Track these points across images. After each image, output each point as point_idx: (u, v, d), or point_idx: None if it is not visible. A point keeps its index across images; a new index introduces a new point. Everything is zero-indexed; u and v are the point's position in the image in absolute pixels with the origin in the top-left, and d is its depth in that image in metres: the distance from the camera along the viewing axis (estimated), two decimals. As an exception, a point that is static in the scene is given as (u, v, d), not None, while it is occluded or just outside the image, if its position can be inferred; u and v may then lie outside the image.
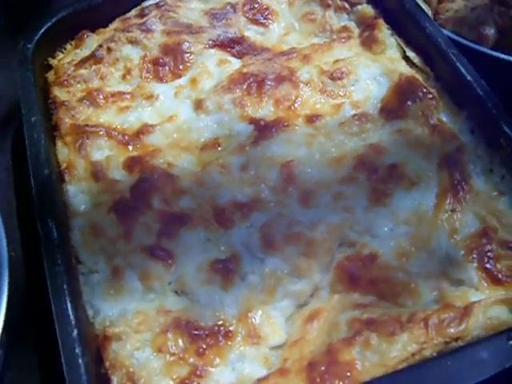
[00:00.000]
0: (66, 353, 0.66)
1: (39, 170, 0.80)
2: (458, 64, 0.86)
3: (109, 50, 0.94)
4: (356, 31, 0.96)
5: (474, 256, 0.73)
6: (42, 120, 0.86)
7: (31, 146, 0.82)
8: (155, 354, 0.69)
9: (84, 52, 0.96)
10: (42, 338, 0.78)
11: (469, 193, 0.77)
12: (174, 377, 0.68)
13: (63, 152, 0.85)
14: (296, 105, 0.86)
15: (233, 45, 0.95)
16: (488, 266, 0.72)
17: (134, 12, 0.98)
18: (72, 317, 0.68)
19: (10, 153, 0.98)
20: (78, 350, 0.66)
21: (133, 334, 0.71)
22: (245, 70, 0.90)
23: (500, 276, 0.72)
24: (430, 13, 1.00)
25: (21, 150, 0.85)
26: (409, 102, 0.85)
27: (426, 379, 0.64)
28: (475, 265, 0.72)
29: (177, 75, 0.93)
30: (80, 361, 0.66)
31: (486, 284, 0.71)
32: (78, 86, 0.93)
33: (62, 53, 0.98)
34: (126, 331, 0.71)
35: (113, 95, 0.91)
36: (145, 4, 0.98)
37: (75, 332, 0.67)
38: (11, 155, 0.98)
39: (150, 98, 0.90)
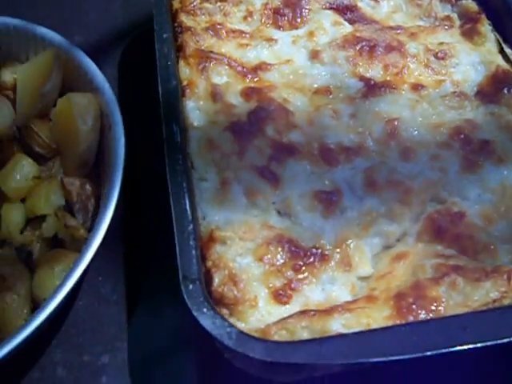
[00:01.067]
0: (181, 244, 0.72)
1: (167, 80, 0.87)
2: None
3: (235, -10, 1.01)
4: (457, 22, 1.04)
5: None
6: (171, 38, 0.92)
7: (161, 59, 0.89)
8: (256, 262, 0.76)
9: (208, -11, 1.03)
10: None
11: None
12: (270, 285, 0.75)
13: (185, 71, 0.91)
14: (403, 73, 0.94)
15: (346, 11, 1.03)
16: None
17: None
18: (189, 212, 0.75)
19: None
20: (192, 243, 0.72)
21: (237, 241, 0.77)
22: (358, 34, 0.98)
23: None
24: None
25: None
26: (504, 91, 0.92)
27: (505, 321, 0.71)
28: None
29: (293, 26, 1.00)
30: (193, 252, 0.72)
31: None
32: (203, 17, 1.00)
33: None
34: (231, 237, 0.77)
35: (233, 32, 0.98)
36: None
37: (191, 226, 0.73)
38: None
39: (269, 40, 0.97)
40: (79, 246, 0.82)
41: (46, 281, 0.80)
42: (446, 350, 0.64)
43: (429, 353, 0.64)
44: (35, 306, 0.79)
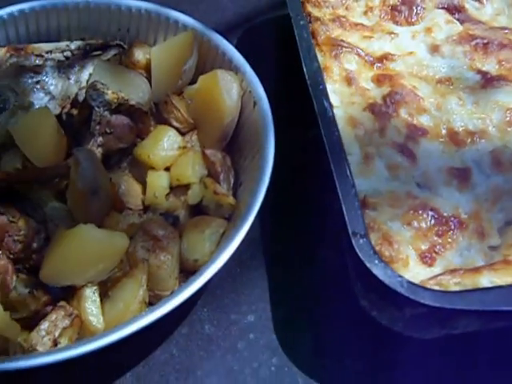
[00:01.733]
0: (347, 204, 0.78)
1: (310, 61, 0.94)
2: None
3: (356, -14, 1.09)
4: None
5: None
6: (307, 24, 1.00)
7: (302, 43, 0.97)
8: (405, 226, 0.83)
9: (329, -15, 1.11)
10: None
11: None
12: (417, 248, 0.82)
13: (318, 57, 0.99)
14: (516, 67, 1.02)
15: (454, 11, 1.11)
16: None
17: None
18: (350, 177, 0.82)
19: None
20: (356, 204, 0.79)
21: (386, 208, 0.84)
22: (470, 32, 1.06)
23: None
24: None
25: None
26: None
27: None
28: None
29: (410, 23, 1.08)
30: (359, 212, 0.79)
31: None
32: (327, 10, 1.08)
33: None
34: (380, 203, 0.85)
35: (356, 25, 1.06)
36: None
37: (353, 190, 0.81)
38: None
39: (391, 33, 1.05)
40: (223, 213, 0.89)
41: (197, 243, 0.86)
42: None
43: None
44: (184, 267, 0.86)
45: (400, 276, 0.74)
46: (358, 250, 0.75)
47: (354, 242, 0.75)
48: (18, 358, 0.75)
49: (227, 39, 1.01)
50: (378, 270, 0.73)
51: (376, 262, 0.74)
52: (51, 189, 0.90)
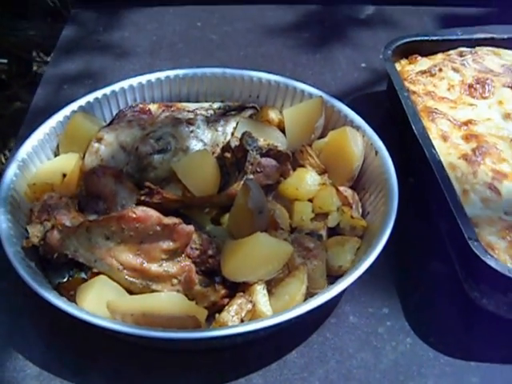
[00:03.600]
0: (461, 220, 1.08)
1: (417, 123, 1.25)
2: None
3: (440, 70, 1.42)
4: None
5: None
6: (408, 96, 1.32)
7: (408, 108, 1.28)
8: (500, 239, 1.11)
9: (418, 67, 1.44)
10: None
11: None
12: (510, 254, 1.09)
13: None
14: None
15: (516, 89, 1.43)
16: None
17: (454, 52, 1.47)
18: (460, 203, 1.11)
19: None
20: (468, 220, 1.07)
21: (485, 226, 1.12)
22: (535, 103, 1.37)
23: None
24: None
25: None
26: None
27: None
28: None
29: (484, 97, 1.39)
30: (471, 224, 1.07)
31: None
32: (420, 86, 1.40)
33: (400, 63, 1.46)
34: (480, 223, 1.12)
35: (442, 98, 1.38)
36: (463, 50, 1.46)
37: (464, 211, 1.09)
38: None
39: (471, 105, 1.36)
40: (357, 233, 1.17)
41: (340, 254, 1.14)
42: None
43: None
44: (330, 272, 1.13)
45: (507, 266, 1.01)
46: (474, 249, 1.03)
47: (470, 243, 1.03)
48: (217, 328, 1.00)
49: (344, 103, 1.32)
50: (491, 262, 1.01)
51: (488, 256, 1.02)
52: (207, 215, 1.19)
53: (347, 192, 1.23)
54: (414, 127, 1.24)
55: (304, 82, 1.38)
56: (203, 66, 1.42)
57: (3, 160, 2.55)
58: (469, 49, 1.47)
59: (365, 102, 1.51)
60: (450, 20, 1.74)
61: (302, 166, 1.27)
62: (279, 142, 1.30)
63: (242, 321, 1.03)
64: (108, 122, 1.35)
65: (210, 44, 1.70)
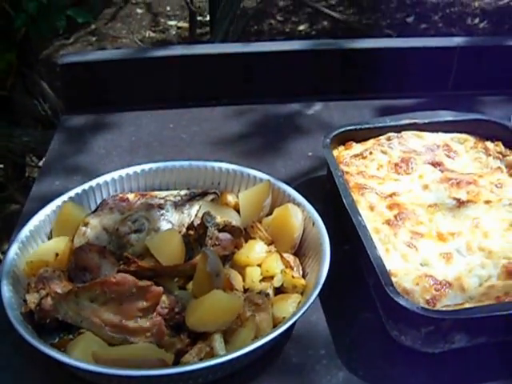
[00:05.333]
0: (380, 269, 1.33)
1: (347, 197, 1.52)
2: None
3: (370, 153, 1.70)
4: (505, 170, 1.70)
5: None
6: (343, 177, 1.60)
7: (340, 186, 1.55)
8: (414, 285, 1.35)
9: (352, 152, 1.72)
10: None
11: None
12: (423, 297, 1.32)
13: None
14: (478, 195, 1.59)
15: (437, 165, 1.70)
16: None
17: (383, 137, 1.75)
18: (381, 258, 1.36)
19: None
20: (385, 270, 1.33)
21: (403, 275, 1.37)
22: (448, 176, 1.64)
23: None
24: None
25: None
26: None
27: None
28: None
29: (407, 173, 1.66)
30: (387, 274, 1.32)
31: None
32: (353, 167, 1.67)
33: (337, 149, 1.74)
34: (399, 273, 1.37)
35: (372, 176, 1.65)
36: (391, 134, 1.75)
37: (384, 265, 1.35)
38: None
39: (396, 180, 1.64)
40: (298, 291, 1.42)
41: (283, 308, 1.36)
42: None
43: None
44: (275, 323, 1.36)
45: (416, 304, 1.26)
46: (389, 293, 1.27)
47: (386, 289, 1.28)
48: (179, 366, 1.24)
49: (290, 186, 1.59)
50: (402, 301, 1.26)
51: (401, 297, 1.26)
52: (176, 283, 1.42)
53: (290, 257, 1.48)
54: (344, 200, 1.51)
55: (258, 170, 1.65)
56: (173, 159, 1.69)
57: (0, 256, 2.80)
58: (396, 134, 1.76)
59: (309, 184, 1.78)
60: (384, 110, 2.03)
61: (253, 238, 1.52)
62: (234, 219, 1.56)
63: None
64: (93, 209, 1.60)
65: (181, 142, 1.99)
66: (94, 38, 5.77)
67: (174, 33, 5.84)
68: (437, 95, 2.15)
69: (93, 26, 5.77)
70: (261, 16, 5.79)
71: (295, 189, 1.58)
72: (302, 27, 5.74)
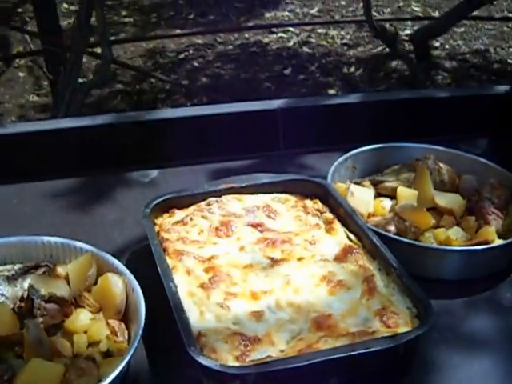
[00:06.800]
0: (185, 333, 1.38)
1: (162, 264, 1.57)
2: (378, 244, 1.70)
3: (191, 219, 1.77)
4: (323, 226, 1.81)
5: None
6: (159, 245, 1.65)
7: (156, 254, 1.60)
8: (224, 343, 1.40)
9: (174, 219, 1.78)
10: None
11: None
12: (233, 354, 1.37)
13: (169, 261, 1.62)
14: (292, 253, 1.67)
15: (257, 226, 1.78)
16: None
17: (204, 203, 1.82)
18: (188, 322, 1.41)
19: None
20: (191, 332, 1.38)
21: (212, 335, 1.42)
22: (266, 236, 1.72)
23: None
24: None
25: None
26: (349, 255, 1.67)
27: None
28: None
29: (228, 235, 1.73)
30: (193, 336, 1.37)
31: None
32: (174, 234, 1.73)
33: (162, 217, 1.80)
34: (209, 334, 1.42)
35: (193, 241, 1.71)
36: (211, 200, 1.83)
37: (190, 328, 1.40)
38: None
39: (215, 244, 1.70)
40: (122, 354, 1.45)
41: (109, 370, 1.40)
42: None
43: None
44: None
45: (215, 362, 1.31)
46: (191, 353, 1.32)
47: (188, 349, 1.33)
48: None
49: (114, 257, 1.63)
50: (202, 360, 1.31)
51: (201, 356, 1.31)
52: (14, 352, 1.45)
53: (115, 323, 1.53)
54: (158, 267, 1.56)
55: (86, 242, 1.69)
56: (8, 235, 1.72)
57: None
58: (215, 198, 1.84)
59: (137, 252, 1.83)
60: (219, 173, 2.11)
61: (82, 306, 1.57)
62: (63, 290, 1.60)
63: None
64: None
65: (23, 216, 2.01)
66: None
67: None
68: (268, 156, 2.26)
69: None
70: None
71: (122, 258, 1.63)
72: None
